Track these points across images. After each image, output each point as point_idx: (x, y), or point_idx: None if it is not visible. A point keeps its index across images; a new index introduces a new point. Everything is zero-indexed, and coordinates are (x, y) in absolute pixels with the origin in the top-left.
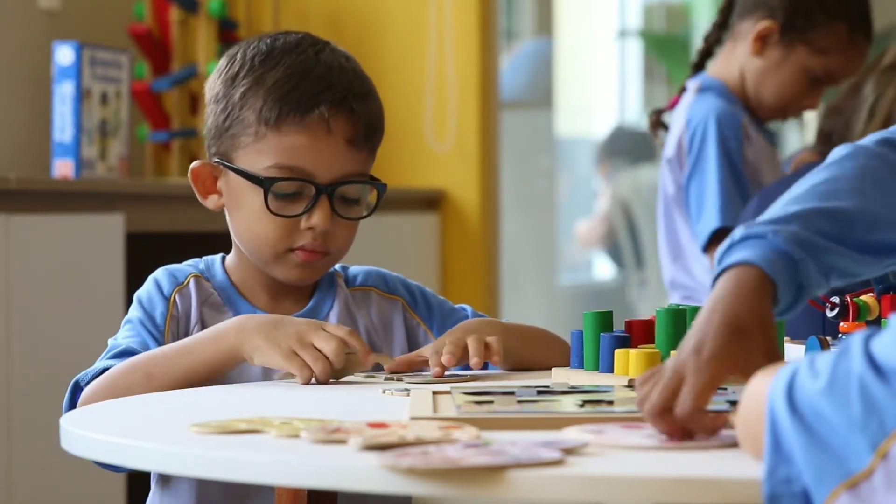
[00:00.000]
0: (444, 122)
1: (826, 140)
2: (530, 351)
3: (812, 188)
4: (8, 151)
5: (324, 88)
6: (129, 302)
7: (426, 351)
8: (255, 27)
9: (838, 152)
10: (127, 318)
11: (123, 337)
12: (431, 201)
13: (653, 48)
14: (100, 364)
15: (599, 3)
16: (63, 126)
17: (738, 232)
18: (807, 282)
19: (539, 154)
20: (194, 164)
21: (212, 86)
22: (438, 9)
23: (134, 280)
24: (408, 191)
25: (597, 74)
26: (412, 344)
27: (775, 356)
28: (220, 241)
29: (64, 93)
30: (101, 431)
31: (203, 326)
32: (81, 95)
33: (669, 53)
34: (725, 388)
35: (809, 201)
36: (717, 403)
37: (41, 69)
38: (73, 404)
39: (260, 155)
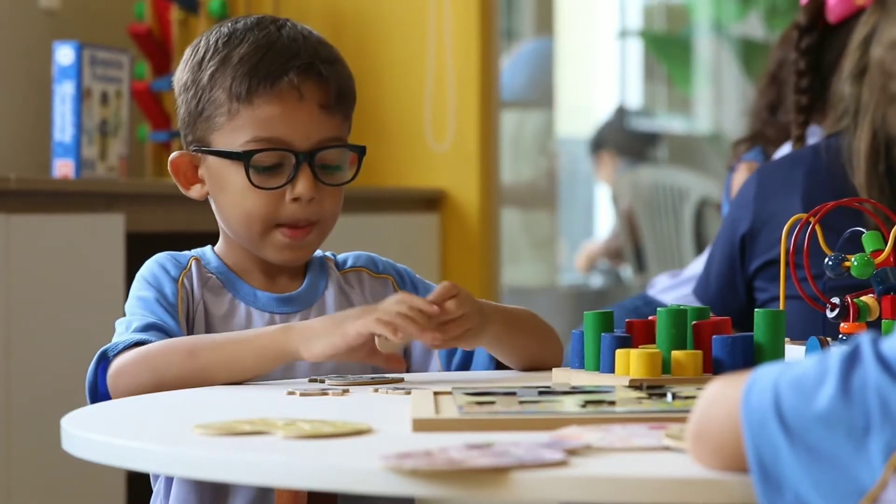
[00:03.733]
0: (443, 122)
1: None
2: (518, 339)
3: None
4: (8, 151)
5: (290, 56)
6: None
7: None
8: None
9: None
10: (135, 297)
11: (141, 315)
12: (431, 201)
13: (653, 48)
14: (129, 336)
15: (599, 3)
16: (63, 126)
17: None
18: None
19: (539, 154)
20: (173, 155)
21: (179, 77)
22: (438, 9)
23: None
24: (407, 191)
25: (597, 74)
26: None
27: None
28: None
29: (64, 93)
30: (103, 433)
31: (206, 310)
32: (82, 95)
33: (670, 53)
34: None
35: None
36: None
37: (41, 69)
38: (96, 376)
39: (235, 132)
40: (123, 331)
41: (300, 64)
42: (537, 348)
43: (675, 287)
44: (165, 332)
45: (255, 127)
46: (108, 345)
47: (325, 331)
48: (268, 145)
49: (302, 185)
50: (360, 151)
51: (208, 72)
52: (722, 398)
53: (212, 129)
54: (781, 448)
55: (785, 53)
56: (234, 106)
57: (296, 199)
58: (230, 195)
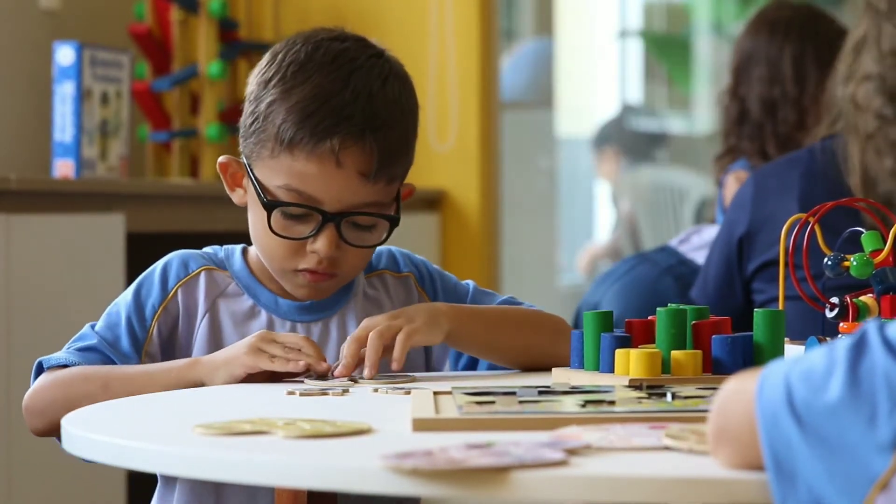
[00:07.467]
0: (444, 122)
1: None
2: (498, 337)
3: None
4: (8, 151)
5: (342, 119)
6: None
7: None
8: (256, 27)
9: None
10: (118, 302)
11: (101, 327)
12: (432, 201)
13: (653, 48)
14: (65, 355)
15: (599, 3)
16: (63, 126)
17: None
18: None
19: (539, 154)
20: (221, 158)
21: (250, 81)
22: (439, 9)
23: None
24: None
25: (597, 74)
26: None
27: None
28: (221, 242)
29: (64, 93)
30: (103, 432)
31: (213, 319)
32: (82, 95)
33: (669, 53)
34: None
35: None
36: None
37: (42, 69)
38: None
39: (274, 172)
40: (75, 340)
41: (348, 130)
42: (533, 342)
43: (706, 247)
44: (107, 357)
45: (291, 177)
46: (45, 357)
47: (226, 362)
48: (298, 198)
49: (321, 243)
50: (392, 221)
51: (268, 99)
52: (738, 395)
53: (257, 155)
54: (794, 441)
55: (741, 68)
56: (277, 147)
57: (315, 252)
58: (257, 223)
